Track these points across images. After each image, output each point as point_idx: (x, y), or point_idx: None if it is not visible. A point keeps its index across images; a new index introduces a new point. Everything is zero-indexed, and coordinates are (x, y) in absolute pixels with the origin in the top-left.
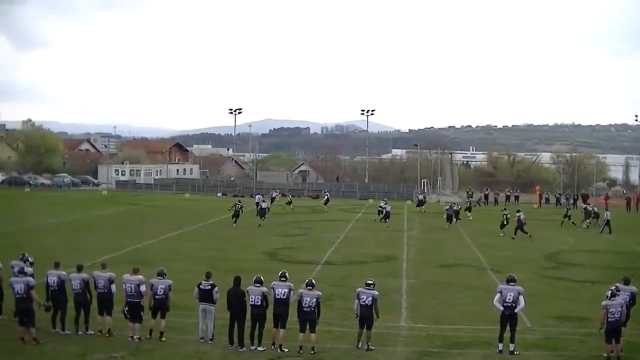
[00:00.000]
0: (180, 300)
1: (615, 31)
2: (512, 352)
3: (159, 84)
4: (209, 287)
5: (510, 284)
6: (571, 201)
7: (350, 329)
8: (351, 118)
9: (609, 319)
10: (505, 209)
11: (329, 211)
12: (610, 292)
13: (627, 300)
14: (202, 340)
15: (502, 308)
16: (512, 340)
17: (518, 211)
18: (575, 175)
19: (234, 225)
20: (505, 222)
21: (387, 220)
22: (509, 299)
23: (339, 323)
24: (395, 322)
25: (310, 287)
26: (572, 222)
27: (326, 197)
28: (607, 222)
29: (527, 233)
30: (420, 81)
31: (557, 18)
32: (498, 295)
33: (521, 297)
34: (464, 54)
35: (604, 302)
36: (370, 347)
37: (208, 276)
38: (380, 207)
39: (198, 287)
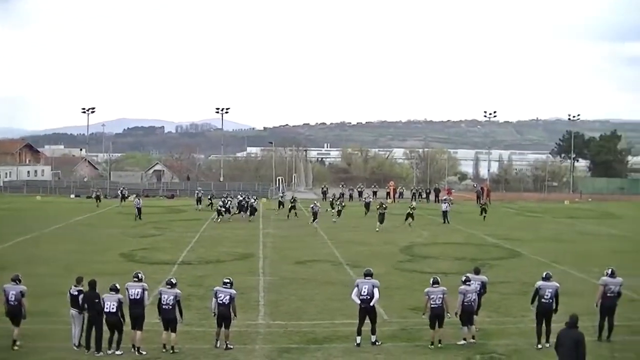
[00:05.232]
0: (36, 306)
1: (462, 30)
2: (374, 343)
3: (6, 82)
4: (76, 292)
5: (367, 277)
6: (424, 195)
7: (209, 328)
8: (206, 117)
9: (432, 306)
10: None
11: (188, 211)
12: (432, 279)
13: (479, 289)
14: (76, 348)
15: (359, 301)
16: (373, 332)
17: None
18: (428, 170)
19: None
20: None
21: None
22: (364, 292)
23: (197, 323)
24: (253, 320)
25: (170, 286)
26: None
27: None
28: (444, 214)
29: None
30: (274, 79)
31: (409, 17)
32: (355, 289)
33: (376, 290)
34: (317, 51)
35: (426, 290)
36: (229, 346)
37: (78, 281)
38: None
39: (69, 292)
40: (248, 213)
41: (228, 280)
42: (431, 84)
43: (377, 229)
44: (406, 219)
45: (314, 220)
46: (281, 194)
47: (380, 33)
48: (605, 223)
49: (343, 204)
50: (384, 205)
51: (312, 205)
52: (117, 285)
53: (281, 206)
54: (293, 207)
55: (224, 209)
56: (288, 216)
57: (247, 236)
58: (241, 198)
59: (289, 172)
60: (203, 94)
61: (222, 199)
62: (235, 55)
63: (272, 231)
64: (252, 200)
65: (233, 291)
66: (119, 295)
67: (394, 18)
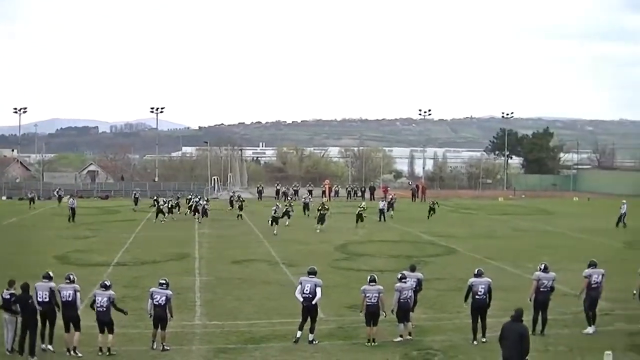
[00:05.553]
0: None
1: (396, 29)
2: (311, 342)
3: None
4: (8, 296)
5: (310, 276)
6: (359, 194)
7: (145, 330)
8: (141, 116)
9: (367, 303)
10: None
11: (123, 212)
12: (369, 277)
13: (414, 286)
14: (9, 353)
15: (302, 299)
16: (311, 331)
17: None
18: (363, 169)
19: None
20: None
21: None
22: (307, 291)
23: (133, 324)
24: (190, 321)
25: (104, 288)
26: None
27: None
28: (381, 212)
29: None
30: (210, 78)
31: (343, 16)
32: (299, 286)
33: (318, 289)
34: (250, 50)
35: (362, 287)
36: (166, 347)
37: (10, 284)
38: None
39: (1, 295)
40: (200, 214)
41: (164, 281)
42: (366, 82)
43: (317, 230)
44: (357, 220)
45: (272, 224)
46: (232, 193)
47: (313, 32)
48: (539, 219)
49: (292, 204)
50: (325, 206)
51: (274, 208)
52: (51, 274)
53: (232, 206)
54: (240, 208)
55: (166, 208)
56: (239, 216)
57: (182, 236)
58: (196, 199)
59: (225, 172)
60: (137, 93)
61: (163, 199)
62: (170, 53)
63: (208, 231)
64: (204, 203)
65: (169, 292)
66: (51, 284)
67: (327, 17)
